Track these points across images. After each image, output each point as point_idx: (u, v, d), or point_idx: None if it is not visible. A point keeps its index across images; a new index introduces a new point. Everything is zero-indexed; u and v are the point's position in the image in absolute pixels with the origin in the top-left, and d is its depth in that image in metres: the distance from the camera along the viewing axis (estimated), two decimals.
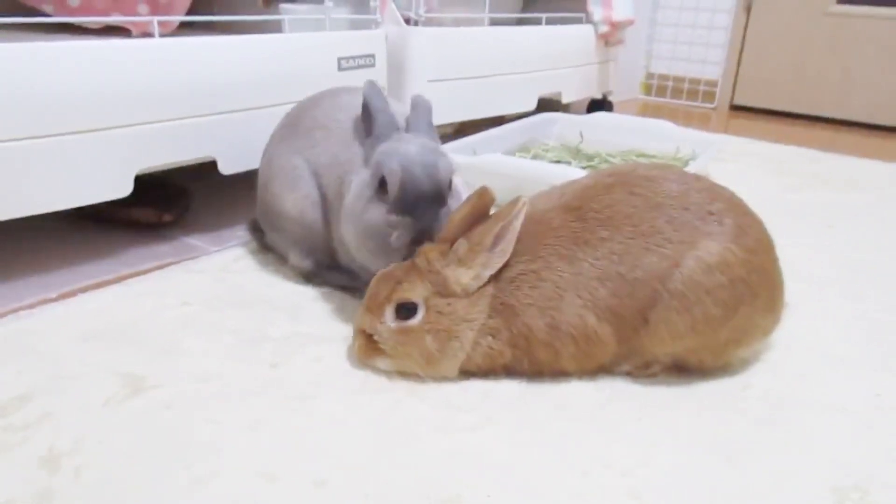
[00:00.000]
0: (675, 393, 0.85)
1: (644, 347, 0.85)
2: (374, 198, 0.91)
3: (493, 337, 0.84)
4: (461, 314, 0.83)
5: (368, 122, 0.99)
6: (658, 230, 0.82)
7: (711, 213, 0.83)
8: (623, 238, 0.82)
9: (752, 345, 0.90)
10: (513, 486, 0.68)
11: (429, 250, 0.84)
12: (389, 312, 0.84)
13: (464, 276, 0.83)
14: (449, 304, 0.83)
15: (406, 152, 0.90)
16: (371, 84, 1.00)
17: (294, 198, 1.07)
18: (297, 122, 1.13)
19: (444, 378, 0.86)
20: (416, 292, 0.83)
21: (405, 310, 0.83)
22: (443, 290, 0.83)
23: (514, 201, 0.81)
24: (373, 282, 0.87)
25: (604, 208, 0.84)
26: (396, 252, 0.88)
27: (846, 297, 1.14)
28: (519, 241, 0.83)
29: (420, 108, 1.02)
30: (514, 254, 0.84)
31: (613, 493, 0.68)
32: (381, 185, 0.90)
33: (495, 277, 0.84)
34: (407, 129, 0.99)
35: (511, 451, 0.74)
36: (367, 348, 0.86)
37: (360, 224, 0.92)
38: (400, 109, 1.06)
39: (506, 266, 0.84)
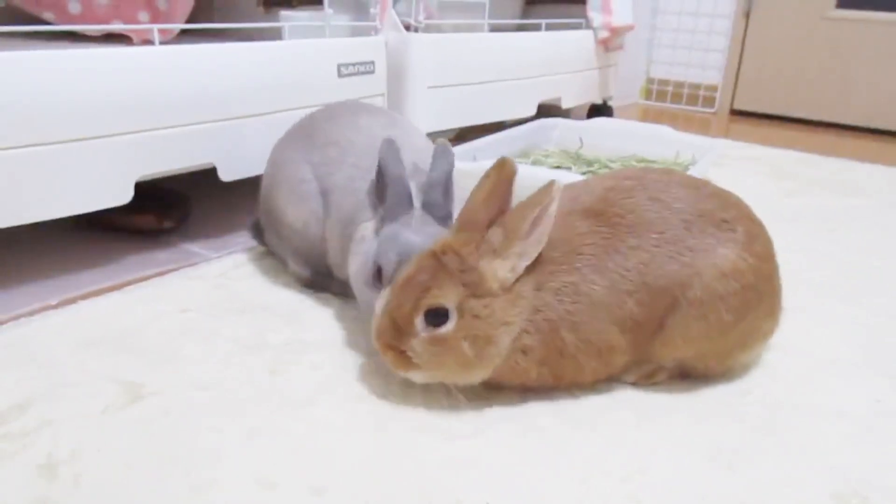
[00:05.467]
0: (675, 399, 0.85)
1: (654, 353, 0.84)
2: (370, 281, 0.90)
3: (525, 354, 0.79)
4: (499, 316, 0.76)
5: (381, 187, 0.93)
6: (680, 238, 0.81)
7: (725, 221, 0.83)
8: (650, 246, 0.80)
9: (755, 349, 0.90)
10: (512, 493, 0.68)
11: (457, 244, 0.76)
12: (420, 322, 0.76)
13: (500, 269, 0.76)
14: (486, 307, 0.76)
15: (406, 244, 0.86)
16: (388, 144, 0.93)
17: (298, 211, 1.06)
18: (311, 132, 1.11)
19: (470, 383, 0.82)
20: (447, 297, 0.75)
21: (435, 316, 0.76)
22: (478, 290, 0.75)
23: (548, 185, 0.75)
24: (394, 290, 0.78)
25: (627, 213, 0.82)
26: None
27: (845, 302, 1.14)
28: (552, 247, 0.79)
29: (438, 170, 0.93)
30: (551, 262, 0.79)
31: (613, 500, 0.68)
32: (378, 272, 0.88)
33: (536, 287, 0.78)
34: (423, 198, 0.92)
35: (510, 458, 0.73)
36: (401, 360, 0.78)
37: (359, 294, 0.94)
38: (411, 160, 0.98)
39: (546, 274, 0.79)
